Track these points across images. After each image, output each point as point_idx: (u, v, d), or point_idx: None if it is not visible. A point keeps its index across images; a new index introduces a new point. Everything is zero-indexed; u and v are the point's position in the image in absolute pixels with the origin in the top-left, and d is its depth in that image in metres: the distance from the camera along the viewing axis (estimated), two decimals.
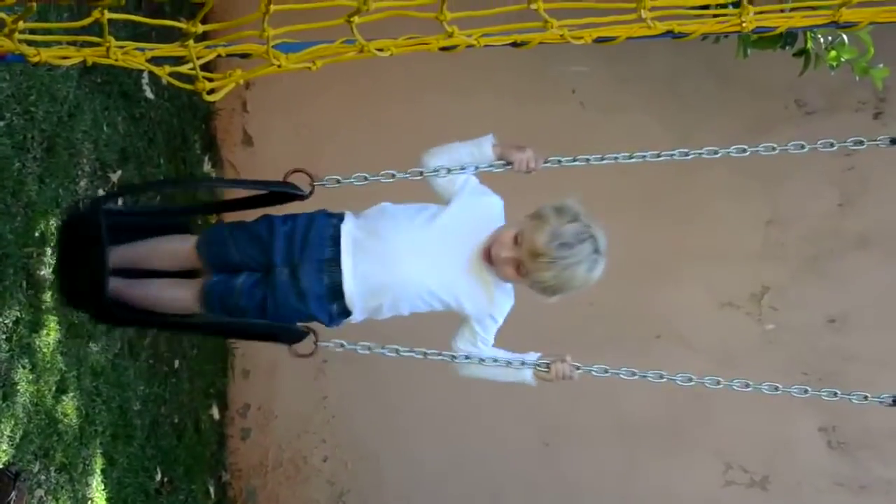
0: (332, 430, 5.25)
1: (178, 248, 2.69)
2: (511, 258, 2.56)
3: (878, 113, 4.67)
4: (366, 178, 2.60)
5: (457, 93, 5.04)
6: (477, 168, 2.65)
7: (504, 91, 5.00)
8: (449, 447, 5.10)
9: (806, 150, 2.58)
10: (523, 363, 2.68)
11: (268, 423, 5.30)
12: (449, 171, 2.62)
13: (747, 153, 2.60)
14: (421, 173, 2.63)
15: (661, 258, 4.84)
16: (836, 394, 2.61)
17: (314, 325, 2.61)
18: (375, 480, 5.21)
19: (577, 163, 2.63)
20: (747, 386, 2.63)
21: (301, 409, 5.25)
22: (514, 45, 2.07)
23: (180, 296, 2.65)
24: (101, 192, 3.86)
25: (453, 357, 2.65)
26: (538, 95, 5.00)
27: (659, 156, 2.62)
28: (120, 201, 3.74)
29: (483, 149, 2.63)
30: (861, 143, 2.56)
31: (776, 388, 2.63)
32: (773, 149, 2.59)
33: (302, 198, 2.56)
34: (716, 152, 2.61)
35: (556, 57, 4.63)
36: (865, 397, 2.62)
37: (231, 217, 2.83)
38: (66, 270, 2.69)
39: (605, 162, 2.62)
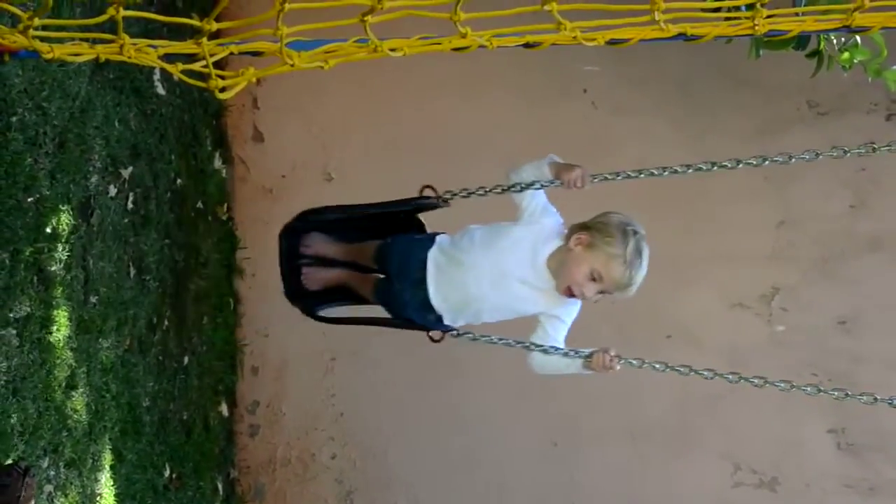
0: (341, 428, 5.25)
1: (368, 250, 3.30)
2: (598, 292, 2.92)
3: (891, 115, 4.65)
4: (485, 192, 2.96)
5: (467, 92, 5.03)
6: (541, 185, 2.94)
7: (515, 90, 4.99)
8: (457, 446, 5.09)
9: (814, 156, 2.66)
10: (577, 353, 2.97)
11: (276, 421, 5.30)
12: (522, 188, 2.95)
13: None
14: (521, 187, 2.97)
15: (672, 258, 4.80)
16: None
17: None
18: (383, 478, 5.21)
19: (619, 178, 2.82)
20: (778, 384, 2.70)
21: (309, 406, 5.25)
22: (527, 46, 2.07)
23: (365, 286, 3.30)
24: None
25: (528, 346, 2.99)
26: (550, 94, 4.99)
27: (695, 168, 2.75)
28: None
29: (542, 168, 2.95)
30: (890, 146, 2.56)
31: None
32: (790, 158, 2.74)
33: (438, 207, 3.07)
34: (738, 162, 2.75)
35: (568, 56, 4.62)
36: None
37: None
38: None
39: (642, 177, 2.81)
